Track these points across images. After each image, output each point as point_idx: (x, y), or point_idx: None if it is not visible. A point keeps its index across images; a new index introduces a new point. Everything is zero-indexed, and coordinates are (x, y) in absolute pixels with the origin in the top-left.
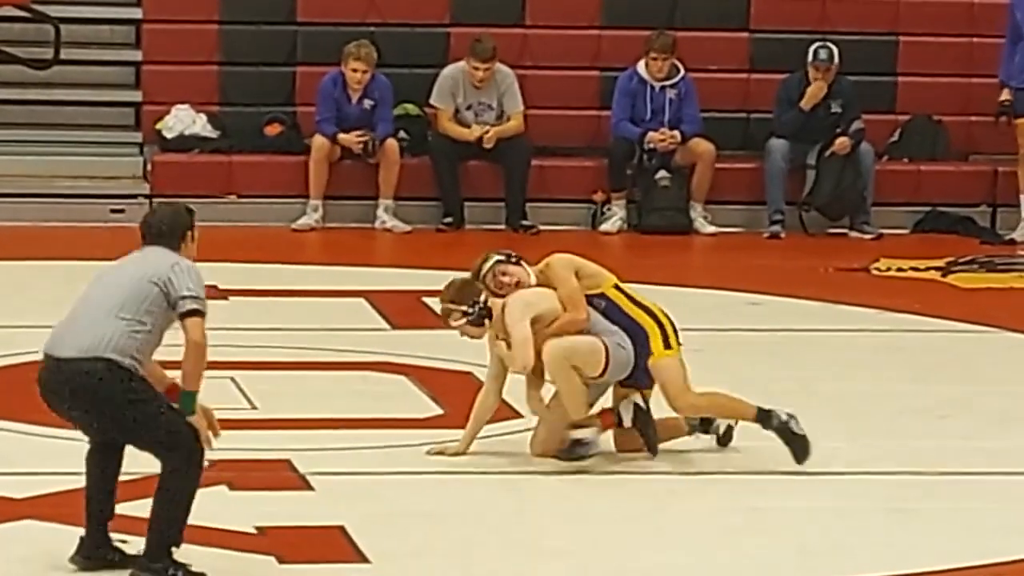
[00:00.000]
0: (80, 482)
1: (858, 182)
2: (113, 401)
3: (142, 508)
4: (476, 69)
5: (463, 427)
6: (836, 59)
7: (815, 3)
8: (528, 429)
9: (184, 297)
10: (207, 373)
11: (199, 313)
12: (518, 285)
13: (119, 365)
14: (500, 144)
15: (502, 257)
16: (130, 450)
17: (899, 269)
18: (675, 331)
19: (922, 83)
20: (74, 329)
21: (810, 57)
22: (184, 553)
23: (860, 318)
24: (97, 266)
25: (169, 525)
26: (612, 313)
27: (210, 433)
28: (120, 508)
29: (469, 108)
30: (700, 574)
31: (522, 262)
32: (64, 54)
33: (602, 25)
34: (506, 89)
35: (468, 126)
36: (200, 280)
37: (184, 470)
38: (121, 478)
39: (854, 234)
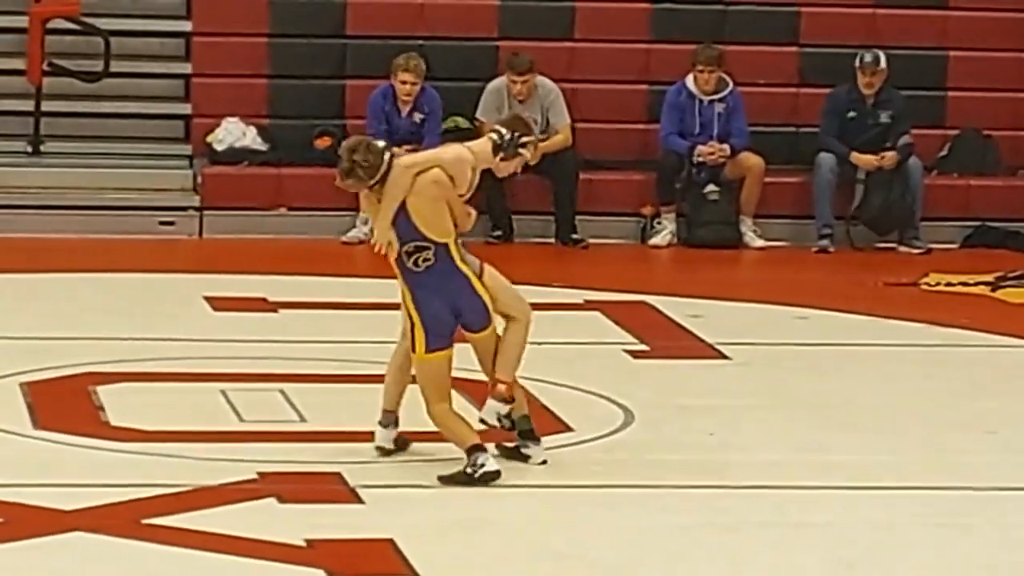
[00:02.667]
0: (128, 494)
1: (907, 197)
2: None
3: (192, 520)
4: (514, 83)
5: (508, 439)
6: (883, 64)
7: (864, 17)
8: (578, 443)
9: None
10: (257, 385)
11: None
12: None
13: None
14: (547, 158)
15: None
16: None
17: (948, 284)
18: None
19: (972, 98)
20: None
21: (857, 62)
22: (234, 565)
23: (908, 333)
24: (146, 278)
25: None
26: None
27: None
28: (174, 520)
29: None
30: None
31: None
32: (114, 66)
33: (651, 39)
34: (550, 103)
35: None
36: None
37: None
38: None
39: (903, 249)
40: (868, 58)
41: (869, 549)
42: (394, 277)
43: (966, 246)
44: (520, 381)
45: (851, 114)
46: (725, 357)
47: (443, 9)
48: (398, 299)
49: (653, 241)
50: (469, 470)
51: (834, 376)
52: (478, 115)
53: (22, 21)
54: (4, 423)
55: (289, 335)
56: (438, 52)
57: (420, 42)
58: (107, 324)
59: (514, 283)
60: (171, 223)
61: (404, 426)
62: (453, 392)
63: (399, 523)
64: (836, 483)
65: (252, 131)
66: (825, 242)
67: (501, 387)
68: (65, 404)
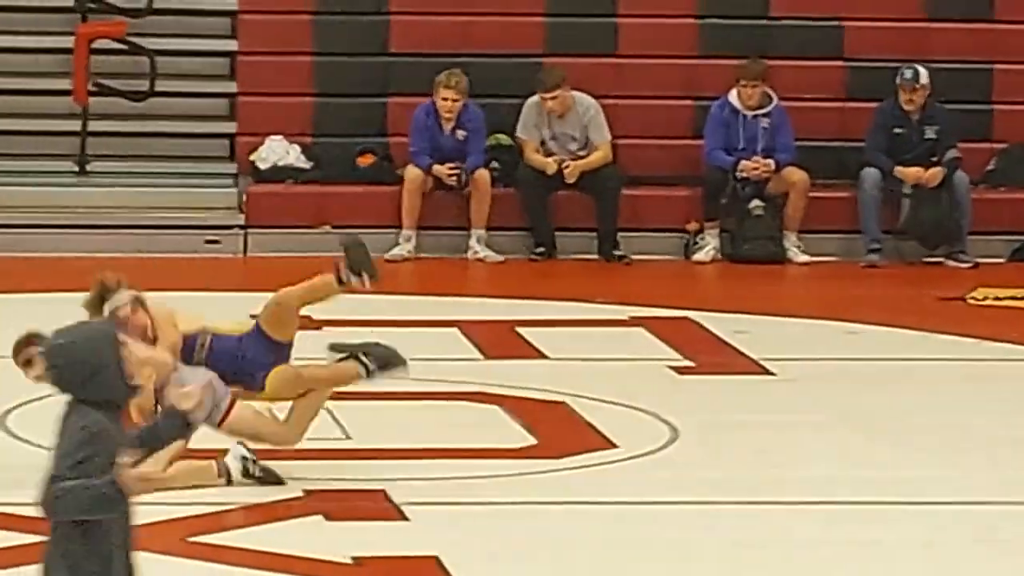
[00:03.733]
0: (175, 512)
1: (954, 211)
2: None
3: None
4: (544, 100)
5: (556, 457)
6: (924, 80)
7: (910, 31)
8: (623, 459)
9: None
10: None
11: None
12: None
13: None
14: (589, 175)
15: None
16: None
17: (996, 298)
18: None
19: (1019, 111)
20: None
21: (897, 79)
22: None
23: (957, 347)
24: (192, 297)
25: None
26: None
27: None
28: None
29: (554, 139)
30: None
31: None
32: (160, 86)
33: (696, 54)
34: (590, 119)
35: (553, 156)
36: None
37: None
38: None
39: (951, 263)
40: (908, 74)
41: (919, 565)
42: (439, 295)
43: (1014, 260)
44: (561, 398)
45: (897, 130)
46: (770, 373)
47: (487, 26)
48: (440, 316)
49: (697, 257)
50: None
51: (882, 391)
52: (518, 132)
53: (68, 41)
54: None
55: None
56: (482, 69)
57: (464, 59)
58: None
59: (557, 300)
60: (216, 241)
61: (447, 443)
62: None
63: (444, 541)
64: (885, 499)
65: (296, 149)
66: (874, 256)
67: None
68: None
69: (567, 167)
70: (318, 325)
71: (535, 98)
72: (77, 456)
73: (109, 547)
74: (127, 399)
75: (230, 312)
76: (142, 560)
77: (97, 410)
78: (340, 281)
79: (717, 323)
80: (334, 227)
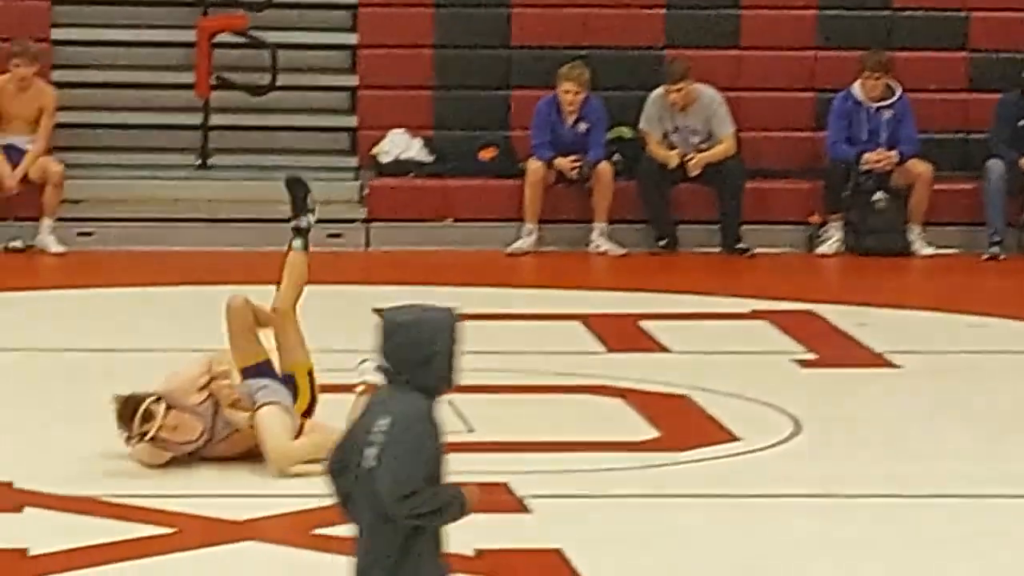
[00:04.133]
0: (301, 504)
1: None
2: None
3: None
4: (668, 92)
5: (679, 449)
6: None
7: None
8: (746, 452)
9: None
10: None
11: None
12: None
13: None
14: (712, 167)
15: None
16: None
17: None
18: None
19: None
20: None
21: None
22: None
23: None
24: (314, 290)
25: None
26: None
27: None
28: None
29: (677, 132)
30: None
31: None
32: (281, 80)
33: (817, 46)
34: (713, 112)
35: (676, 149)
36: None
37: None
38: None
39: None
40: None
41: None
42: (561, 288)
43: None
44: (684, 391)
45: (1022, 122)
46: (894, 366)
47: (608, 19)
48: (563, 309)
49: (820, 249)
50: None
51: (1007, 384)
52: (641, 125)
53: (190, 35)
54: None
55: None
56: (603, 62)
57: (585, 52)
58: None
59: (680, 293)
60: (338, 235)
61: (570, 436)
62: None
63: (567, 533)
64: (1010, 492)
65: (418, 142)
66: (995, 249)
67: None
68: None
69: (691, 160)
70: None
71: (659, 91)
72: (423, 455)
73: (438, 551)
74: (447, 390)
75: (352, 307)
76: (266, 552)
77: (418, 395)
78: (298, 230)
79: (840, 316)
80: (455, 220)
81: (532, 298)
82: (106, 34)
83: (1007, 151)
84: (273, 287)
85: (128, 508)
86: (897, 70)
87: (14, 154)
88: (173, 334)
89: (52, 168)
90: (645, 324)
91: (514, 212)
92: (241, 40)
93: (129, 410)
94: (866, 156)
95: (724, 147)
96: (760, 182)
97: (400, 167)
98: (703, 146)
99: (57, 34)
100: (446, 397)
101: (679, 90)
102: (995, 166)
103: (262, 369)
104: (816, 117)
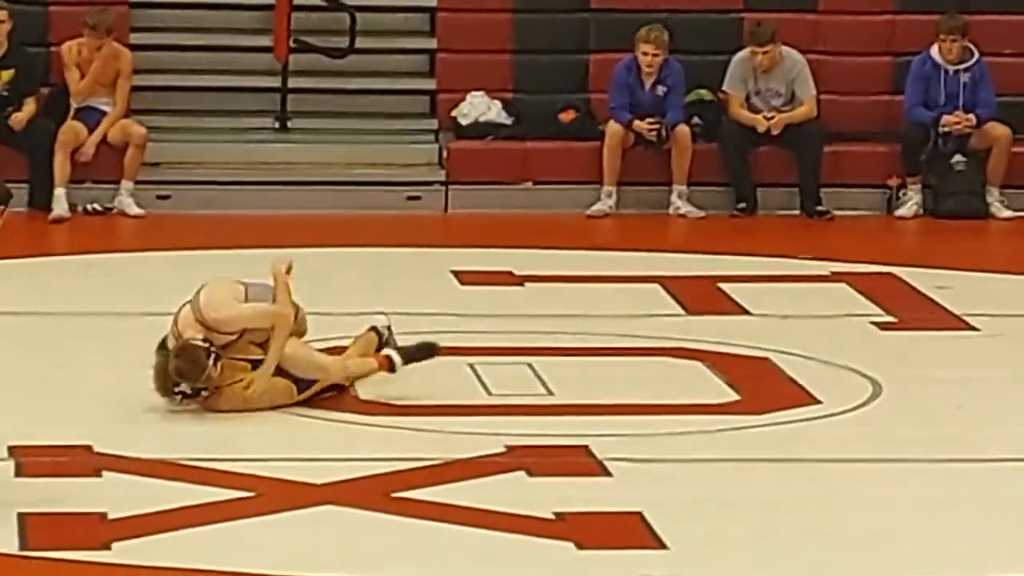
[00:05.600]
0: (379, 468)
1: None
2: None
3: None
4: (755, 54)
5: (760, 413)
6: None
7: None
8: (826, 416)
9: None
10: (505, 359)
11: None
12: None
13: None
14: (792, 130)
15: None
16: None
17: None
18: None
19: None
20: None
21: None
22: (483, 538)
23: None
24: (393, 253)
25: None
26: None
27: None
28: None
29: (759, 94)
30: (998, 563)
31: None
32: (360, 43)
33: (895, 10)
34: (796, 75)
35: (758, 112)
36: None
37: None
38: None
39: None
40: None
41: None
42: (640, 250)
43: None
44: (764, 353)
45: None
46: (974, 329)
47: None
48: (642, 272)
49: (899, 212)
50: None
51: None
52: (724, 87)
53: None
54: None
55: (535, 309)
56: (682, 24)
57: (664, 15)
58: (356, 299)
59: (759, 256)
60: (417, 198)
61: (650, 399)
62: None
63: (647, 497)
64: None
65: (497, 105)
66: None
67: None
68: None
69: (772, 119)
70: (520, 281)
71: (743, 53)
72: None
73: None
74: None
75: (432, 270)
76: (346, 515)
77: None
78: (391, 370)
79: (919, 279)
80: (535, 183)
81: (611, 260)
82: None
83: None
84: (353, 249)
85: (207, 472)
86: (974, 33)
87: (93, 116)
88: None
89: (135, 130)
90: (724, 286)
91: (593, 175)
92: (320, 3)
93: (195, 367)
94: (944, 119)
95: (806, 109)
96: (839, 145)
97: (479, 129)
98: (784, 109)
99: None
100: (526, 359)
101: (766, 52)
102: None
103: None
104: (894, 80)
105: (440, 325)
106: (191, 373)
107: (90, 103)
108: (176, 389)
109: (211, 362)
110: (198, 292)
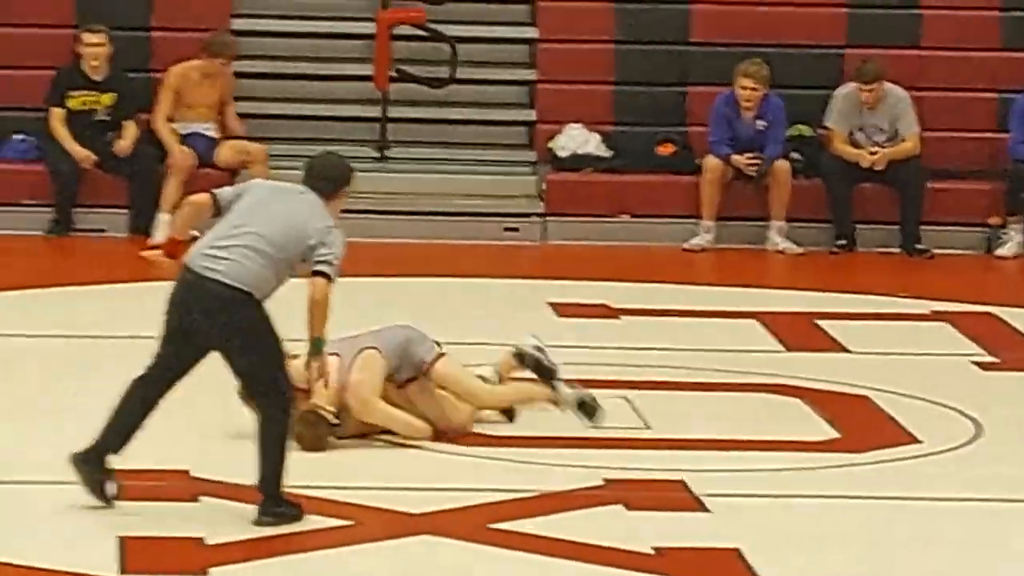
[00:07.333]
0: (477, 499)
1: None
2: (243, 329)
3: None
4: (860, 91)
5: (859, 451)
6: None
7: None
8: (926, 455)
9: (321, 260)
10: (601, 392)
11: (327, 276)
12: None
13: (255, 298)
14: (894, 166)
15: None
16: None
17: None
18: None
19: None
20: (223, 253)
21: None
22: (581, 571)
23: None
24: (491, 284)
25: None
26: None
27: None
28: (521, 525)
29: (861, 130)
30: None
31: None
32: (460, 73)
33: (1000, 47)
34: (900, 111)
35: (860, 148)
36: (343, 249)
37: (280, 409)
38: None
39: None
40: None
41: None
42: (737, 286)
43: None
44: (863, 391)
45: None
46: None
47: (789, 17)
48: (739, 307)
49: (999, 252)
50: None
51: None
52: (827, 122)
53: (370, 27)
54: None
55: (631, 342)
56: (783, 59)
57: (764, 49)
58: (454, 328)
59: (858, 293)
60: (515, 229)
61: (747, 435)
62: None
63: (745, 533)
64: None
65: (595, 137)
66: None
67: None
68: None
69: (875, 154)
70: (615, 314)
71: (847, 88)
72: None
73: None
74: None
75: (529, 301)
76: (443, 545)
77: None
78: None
79: (1021, 319)
80: (632, 216)
81: (708, 295)
82: (286, 25)
83: None
84: (451, 279)
85: (305, 499)
86: None
87: (200, 142)
88: (350, 322)
89: (254, 147)
90: (822, 323)
91: (690, 208)
92: (420, 33)
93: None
94: None
95: (909, 145)
96: (940, 182)
97: (577, 162)
98: (886, 145)
99: (238, 24)
100: (622, 393)
101: (871, 90)
102: None
103: None
104: (998, 117)
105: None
106: (308, 442)
107: (194, 128)
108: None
109: (330, 433)
110: (356, 354)
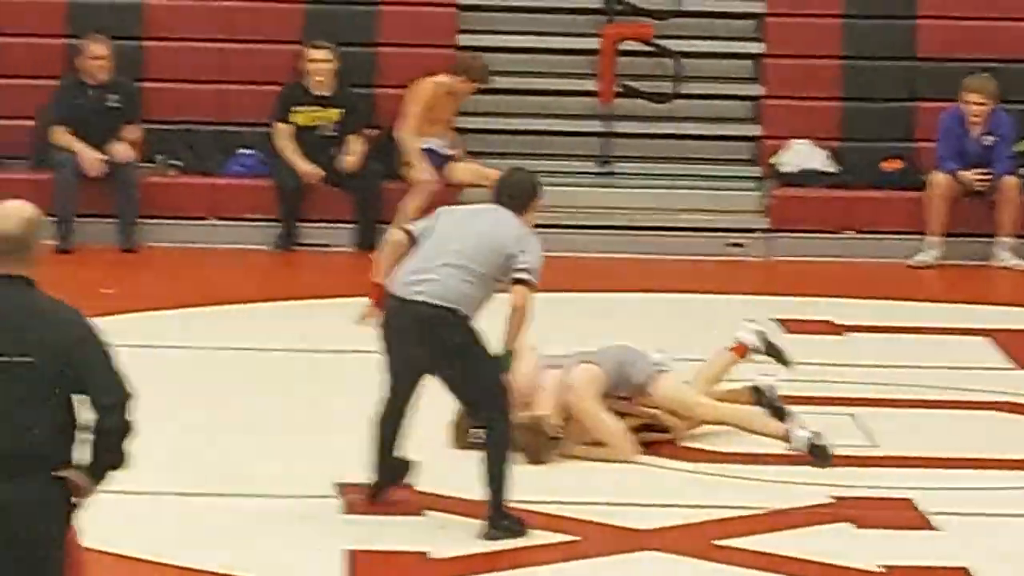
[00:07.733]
0: (702, 515)
1: None
2: (456, 346)
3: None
4: None
5: None
6: None
7: None
8: None
9: (520, 268)
10: (826, 409)
11: (528, 283)
12: None
13: (461, 314)
14: None
15: None
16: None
17: None
18: None
19: None
20: (425, 276)
21: None
22: None
23: None
24: (715, 300)
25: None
26: None
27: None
28: (747, 542)
29: None
30: None
31: None
32: (684, 88)
33: None
34: None
35: None
36: (540, 256)
37: (503, 424)
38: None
39: None
40: None
41: None
42: (964, 302)
43: None
44: None
45: None
46: None
47: (1016, 31)
48: (967, 324)
49: None
50: None
51: None
52: None
53: (594, 43)
54: None
55: (857, 359)
56: (1011, 74)
57: (992, 64)
58: (678, 344)
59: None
60: (740, 245)
61: (977, 453)
62: None
63: (974, 552)
64: None
65: (821, 153)
66: None
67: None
68: None
69: None
70: (839, 330)
71: None
72: None
73: None
74: None
75: (752, 314)
76: (668, 561)
77: None
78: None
79: None
80: (858, 232)
81: (935, 312)
82: (511, 40)
83: None
84: (675, 295)
85: (531, 514)
86: None
87: (433, 158)
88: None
89: (492, 173)
90: None
91: (916, 224)
92: (646, 48)
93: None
94: None
95: None
96: None
97: (803, 177)
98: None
99: (464, 40)
100: (849, 410)
101: None
102: None
103: None
104: None
105: (762, 372)
106: (530, 450)
107: (431, 144)
108: (471, 441)
109: (552, 445)
110: (576, 366)
